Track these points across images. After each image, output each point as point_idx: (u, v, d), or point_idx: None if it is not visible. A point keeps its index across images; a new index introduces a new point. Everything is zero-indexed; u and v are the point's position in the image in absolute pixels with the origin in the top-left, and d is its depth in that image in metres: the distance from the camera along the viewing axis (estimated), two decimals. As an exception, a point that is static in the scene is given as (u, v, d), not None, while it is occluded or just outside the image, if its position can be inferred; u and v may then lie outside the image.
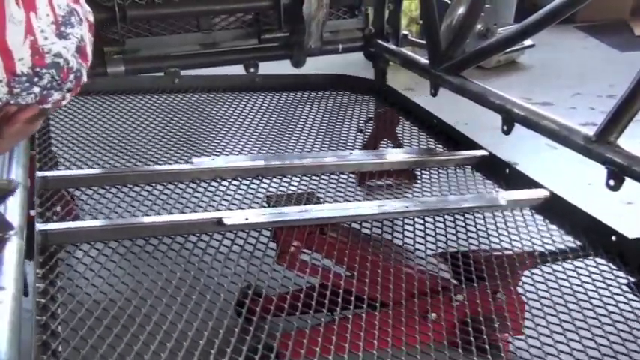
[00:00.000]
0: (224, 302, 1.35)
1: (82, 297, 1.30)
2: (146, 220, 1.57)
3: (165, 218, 1.58)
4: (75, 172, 1.81)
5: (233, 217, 1.57)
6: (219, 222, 1.55)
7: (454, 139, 2.20)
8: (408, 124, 2.39)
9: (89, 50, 1.01)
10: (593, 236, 1.63)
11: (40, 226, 1.44)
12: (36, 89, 0.94)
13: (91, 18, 1.02)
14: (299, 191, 1.83)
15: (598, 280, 1.50)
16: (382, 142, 2.41)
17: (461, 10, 2.21)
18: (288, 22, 2.61)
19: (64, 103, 1.02)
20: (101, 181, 1.77)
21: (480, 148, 2.09)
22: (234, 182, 1.85)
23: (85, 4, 1.00)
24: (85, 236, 1.48)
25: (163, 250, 1.49)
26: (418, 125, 2.35)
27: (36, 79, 0.93)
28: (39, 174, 1.71)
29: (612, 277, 1.51)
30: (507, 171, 1.97)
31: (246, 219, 1.57)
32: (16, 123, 0.97)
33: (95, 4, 0.95)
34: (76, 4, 0.98)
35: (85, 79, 1.02)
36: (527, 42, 4.42)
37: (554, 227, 1.71)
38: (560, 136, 1.73)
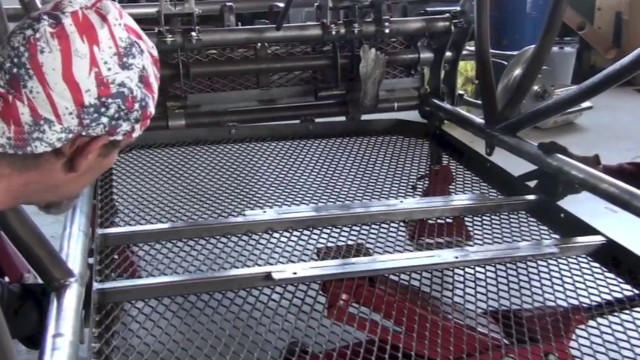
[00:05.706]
0: (271, 360, 1.37)
1: (135, 357, 1.35)
2: (198, 276, 1.62)
3: (216, 274, 1.63)
4: (131, 228, 1.88)
5: (282, 271, 1.60)
6: (267, 276, 1.58)
7: (508, 183, 2.17)
8: (461, 168, 2.38)
9: (153, 81, 1.05)
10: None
11: (97, 285, 1.50)
12: (104, 119, 1.00)
13: (155, 53, 1.07)
14: (349, 242, 1.85)
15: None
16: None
17: (518, 71, 2.20)
18: (344, 80, 2.68)
19: (134, 135, 1.07)
20: (157, 236, 1.83)
21: (533, 192, 2.06)
22: (285, 234, 1.89)
23: (148, 39, 1.06)
24: (139, 294, 1.53)
25: (214, 305, 1.53)
26: (471, 169, 2.34)
27: (103, 110, 0.99)
28: (99, 231, 1.79)
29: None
30: (562, 215, 1.92)
31: (295, 273, 1.60)
32: (88, 154, 1.03)
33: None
34: (138, 39, 1.03)
35: (151, 110, 1.07)
36: (586, 104, 4.26)
37: (611, 276, 1.66)
38: (621, 200, 1.69)
